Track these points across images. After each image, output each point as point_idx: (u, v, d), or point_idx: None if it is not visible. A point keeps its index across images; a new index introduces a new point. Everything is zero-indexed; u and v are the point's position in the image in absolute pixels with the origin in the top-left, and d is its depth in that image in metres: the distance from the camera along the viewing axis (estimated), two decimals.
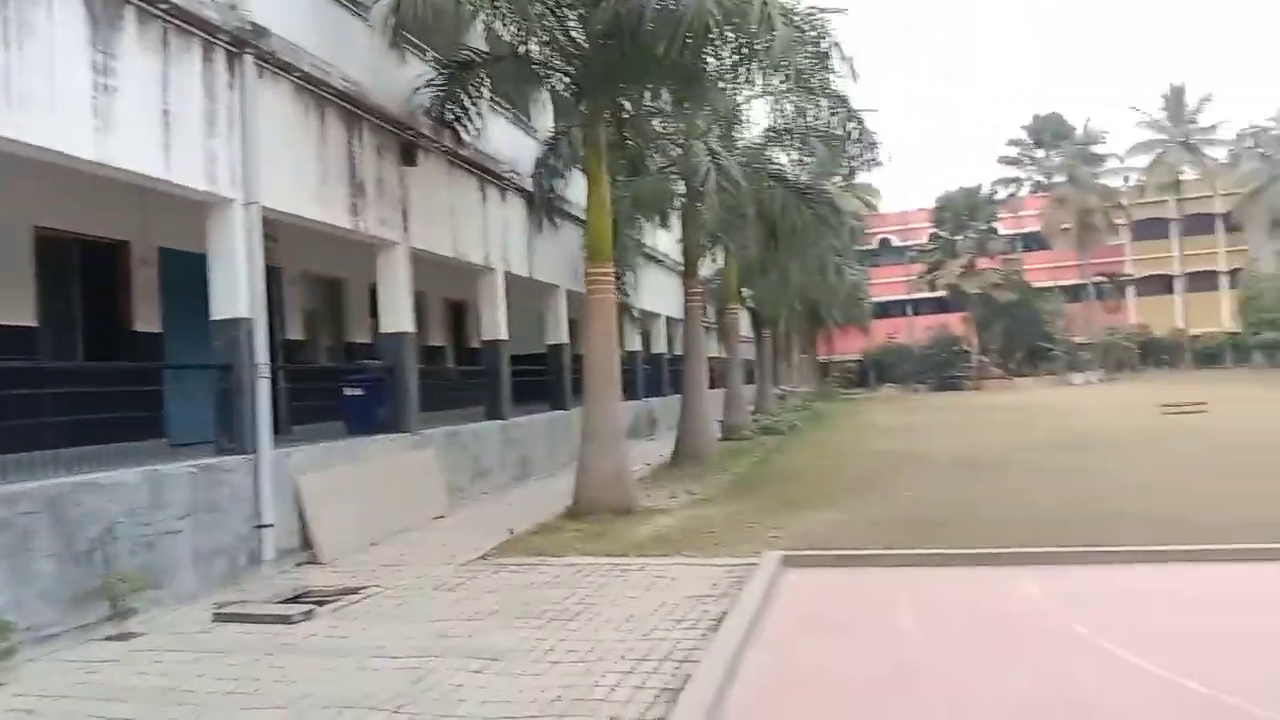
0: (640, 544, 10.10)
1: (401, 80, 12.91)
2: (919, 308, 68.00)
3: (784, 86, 16.56)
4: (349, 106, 11.72)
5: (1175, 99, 61.35)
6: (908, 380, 61.99)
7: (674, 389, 30.74)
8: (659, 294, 26.20)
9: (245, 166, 9.50)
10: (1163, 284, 65.21)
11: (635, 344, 25.07)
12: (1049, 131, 60.99)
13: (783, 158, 20.37)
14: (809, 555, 8.70)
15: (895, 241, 70.63)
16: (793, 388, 41.98)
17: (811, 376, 57.92)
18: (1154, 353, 62.58)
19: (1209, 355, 61.02)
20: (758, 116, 18.65)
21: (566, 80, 12.79)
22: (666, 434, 26.82)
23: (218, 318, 9.43)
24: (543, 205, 16.89)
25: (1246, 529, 9.11)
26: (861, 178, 63.17)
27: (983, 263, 58.61)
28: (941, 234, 60.35)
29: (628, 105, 14.19)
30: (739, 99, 18.02)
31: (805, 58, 11.28)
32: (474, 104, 13.48)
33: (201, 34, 9.10)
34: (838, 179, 60.04)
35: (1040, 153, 61.74)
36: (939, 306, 64.37)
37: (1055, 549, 8.36)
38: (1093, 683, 5.48)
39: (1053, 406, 33.52)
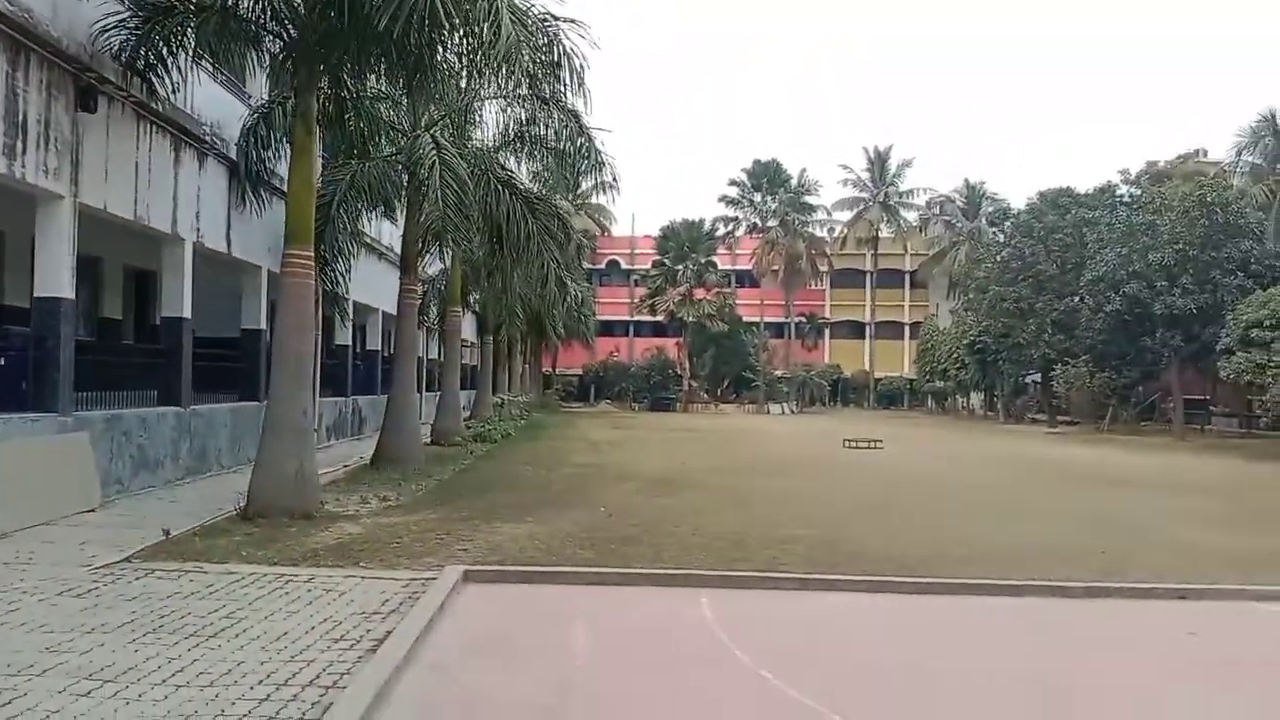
0: (315, 553, 9.36)
1: (87, 16, 11.39)
2: (640, 329, 70.15)
3: (518, 92, 16.35)
4: (14, 34, 10.16)
5: (879, 162, 67.31)
6: (625, 397, 63.68)
7: (388, 388, 29.59)
8: (379, 288, 25.05)
9: None
10: (855, 329, 71.26)
11: (347, 338, 23.84)
12: (767, 177, 64.92)
13: (517, 166, 20.15)
14: (491, 570, 8.37)
15: (623, 264, 72.51)
16: (513, 397, 41.68)
17: (534, 387, 58.03)
18: (843, 390, 68.20)
19: (890, 396, 67.34)
20: (497, 123, 18.06)
21: (281, 44, 11.79)
22: (376, 434, 25.69)
23: None
24: (249, 177, 15.58)
25: (909, 561, 9.80)
26: (597, 200, 65.60)
27: (700, 293, 61.28)
28: (665, 261, 62.54)
29: (349, 82, 13.34)
30: (473, 98, 17.67)
31: (536, 64, 11.01)
32: (173, 55, 12.11)
33: None
34: (572, 197, 60.99)
35: (758, 196, 65.60)
36: (658, 330, 66.68)
37: (731, 573, 8.54)
38: (742, 715, 5.51)
39: (751, 432, 35.50)
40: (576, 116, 16.70)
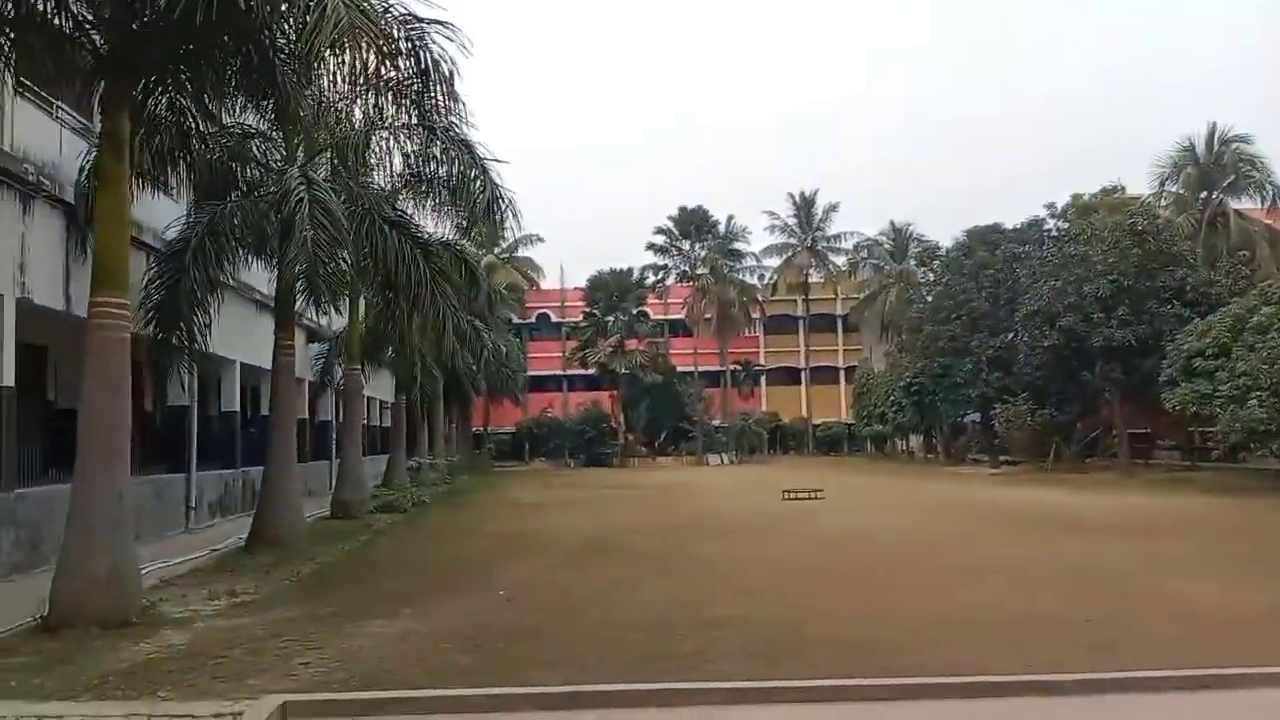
0: (107, 678, 7.25)
1: None
2: (574, 383, 68.14)
3: (399, 119, 14.73)
4: None
5: (805, 206, 66.77)
6: (560, 454, 61.42)
7: (316, 456, 27.37)
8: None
9: None
10: (791, 375, 70.14)
11: (234, 403, 21.55)
12: (694, 224, 63.77)
13: (420, 213, 18.27)
14: (319, 701, 6.34)
15: (554, 317, 70.70)
16: (434, 459, 39.15)
17: (463, 447, 55.53)
18: (782, 438, 66.83)
19: (829, 442, 66.08)
20: (378, 154, 16.20)
21: (89, 53, 9.86)
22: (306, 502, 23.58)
23: None
24: (90, 223, 13.49)
25: (866, 644, 8.02)
26: (524, 253, 63.90)
27: (632, 344, 59.68)
28: (595, 313, 60.88)
29: (190, 107, 11.46)
30: (358, 131, 15.90)
31: (384, 59, 9.23)
32: None
33: None
34: (499, 250, 59.16)
35: (686, 244, 64.41)
36: (592, 383, 64.69)
37: (643, 686, 6.61)
38: None
39: (688, 486, 33.72)
40: (469, 147, 15.04)
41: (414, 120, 15.26)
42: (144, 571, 12.46)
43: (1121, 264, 31.64)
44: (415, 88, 10.58)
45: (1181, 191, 40.35)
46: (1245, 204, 39.91)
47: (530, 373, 62.87)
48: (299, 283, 14.45)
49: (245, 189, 15.42)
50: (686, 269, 64.25)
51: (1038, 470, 36.83)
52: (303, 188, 13.41)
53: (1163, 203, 40.21)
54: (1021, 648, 7.84)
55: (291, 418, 15.62)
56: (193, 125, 12.48)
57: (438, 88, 10.26)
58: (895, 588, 11.01)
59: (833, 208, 66.03)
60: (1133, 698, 6.49)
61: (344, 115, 15.83)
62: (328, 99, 15.36)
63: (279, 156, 16.20)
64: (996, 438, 42.62)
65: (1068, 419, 37.45)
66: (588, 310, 62.00)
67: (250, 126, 15.87)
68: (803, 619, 9.17)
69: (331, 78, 10.33)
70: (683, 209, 63.97)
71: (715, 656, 7.73)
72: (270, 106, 13.20)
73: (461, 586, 11.61)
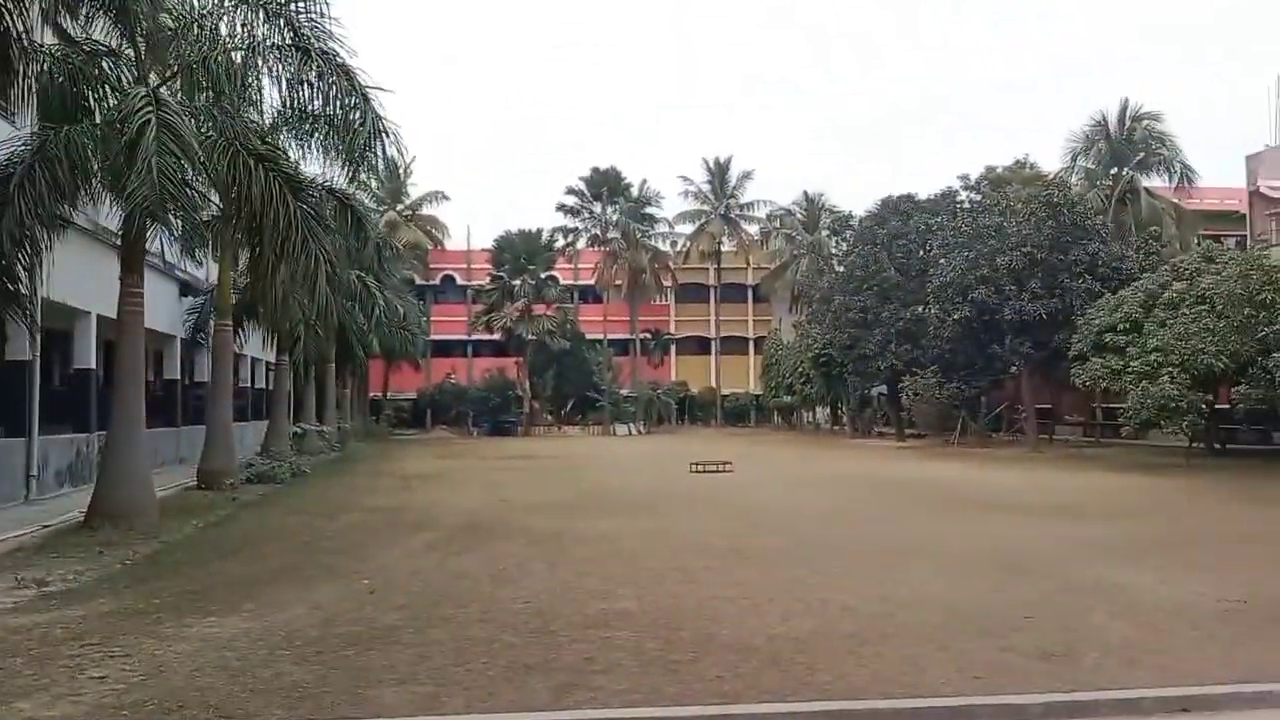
0: None
1: None
2: (480, 349, 65.83)
3: (270, 39, 12.99)
4: None
5: (719, 173, 65.59)
6: (463, 422, 59.47)
7: (192, 420, 25.22)
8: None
9: None
10: (701, 345, 69.23)
11: (89, 359, 19.35)
12: (606, 186, 61.96)
13: (303, 156, 16.36)
14: None
15: (459, 279, 68.16)
16: (322, 426, 36.86)
17: (360, 414, 53.01)
18: (691, 408, 65.97)
19: (737, 413, 65.47)
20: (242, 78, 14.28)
21: None
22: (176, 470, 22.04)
23: None
24: None
25: (779, 647, 6.86)
26: (429, 210, 61.34)
27: (540, 308, 57.89)
28: (501, 275, 58.78)
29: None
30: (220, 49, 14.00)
31: None
32: None
33: None
34: (401, 206, 56.42)
35: (598, 206, 62.63)
36: (499, 350, 62.64)
37: (505, 716, 5.29)
38: None
39: (593, 458, 32.51)
40: (347, 72, 13.33)
41: (287, 41, 13.60)
42: None
43: (1035, 236, 31.31)
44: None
45: (1092, 166, 40.45)
46: (1155, 182, 40.21)
47: (433, 336, 60.60)
48: (147, 219, 12.53)
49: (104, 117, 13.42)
50: (598, 232, 62.58)
51: (944, 444, 36.65)
52: (149, 109, 11.56)
53: (1074, 178, 40.20)
54: (963, 653, 6.78)
55: (138, 375, 13.70)
56: (11, 28, 10.64)
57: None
58: (810, 575, 9.90)
59: (746, 175, 65.23)
60: None
61: (207, 32, 14.01)
62: (189, 12, 13.64)
63: (133, 79, 14.20)
64: (903, 410, 42.43)
65: (975, 393, 37.31)
66: (494, 273, 59.88)
67: (100, 43, 13.90)
68: (709, 615, 7.99)
69: None
70: (595, 169, 62.26)
71: (604, 666, 6.49)
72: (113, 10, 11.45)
73: (320, 573, 10.12)
